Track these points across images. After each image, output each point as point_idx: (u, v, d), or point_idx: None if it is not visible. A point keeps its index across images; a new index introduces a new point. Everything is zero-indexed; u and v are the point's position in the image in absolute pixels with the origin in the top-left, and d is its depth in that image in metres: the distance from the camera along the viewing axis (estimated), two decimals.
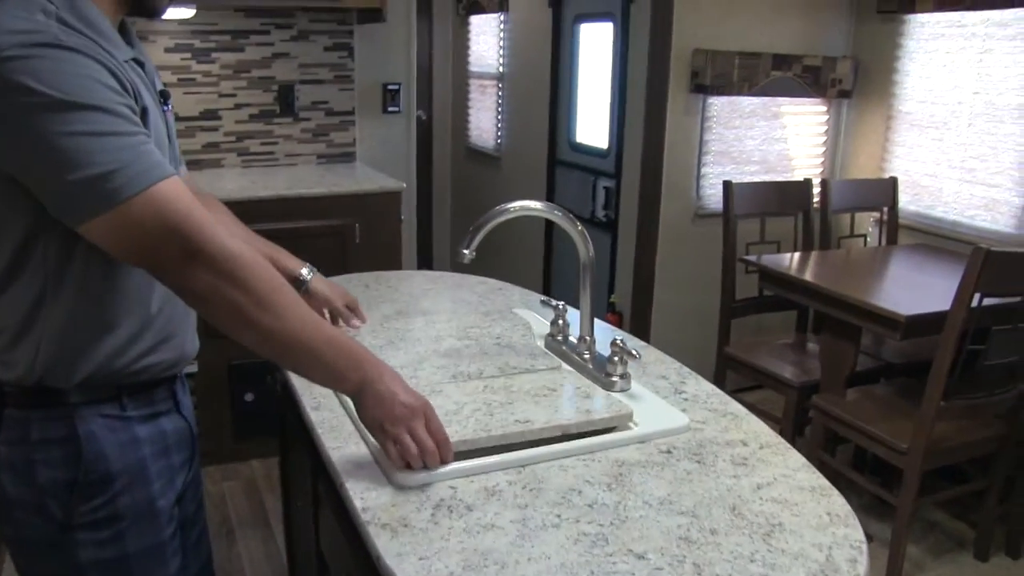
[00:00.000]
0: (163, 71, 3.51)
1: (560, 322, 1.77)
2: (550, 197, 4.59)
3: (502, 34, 5.01)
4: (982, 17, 3.38)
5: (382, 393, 1.25)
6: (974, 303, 2.41)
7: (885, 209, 3.72)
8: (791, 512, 1.23)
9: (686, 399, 1.59)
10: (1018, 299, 2.49)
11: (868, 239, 3.83)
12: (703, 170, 3.84)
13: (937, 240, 3.61)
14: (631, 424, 1.46)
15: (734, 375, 3.43)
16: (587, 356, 1.67)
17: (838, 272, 3.20)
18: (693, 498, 1.25)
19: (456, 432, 1.34)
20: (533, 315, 1.99)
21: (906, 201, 3.76)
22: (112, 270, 1.25)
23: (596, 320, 1.72)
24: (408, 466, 1.25)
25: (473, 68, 5.40)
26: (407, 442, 1.24)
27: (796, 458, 1.39)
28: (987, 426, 2.73)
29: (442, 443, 1.27)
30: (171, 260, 1.16)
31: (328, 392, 1.52)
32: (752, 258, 3.24)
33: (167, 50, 3.54)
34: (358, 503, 1.22)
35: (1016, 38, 3.26)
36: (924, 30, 3.64)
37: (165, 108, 1.36)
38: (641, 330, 3.92)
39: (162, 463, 1.37)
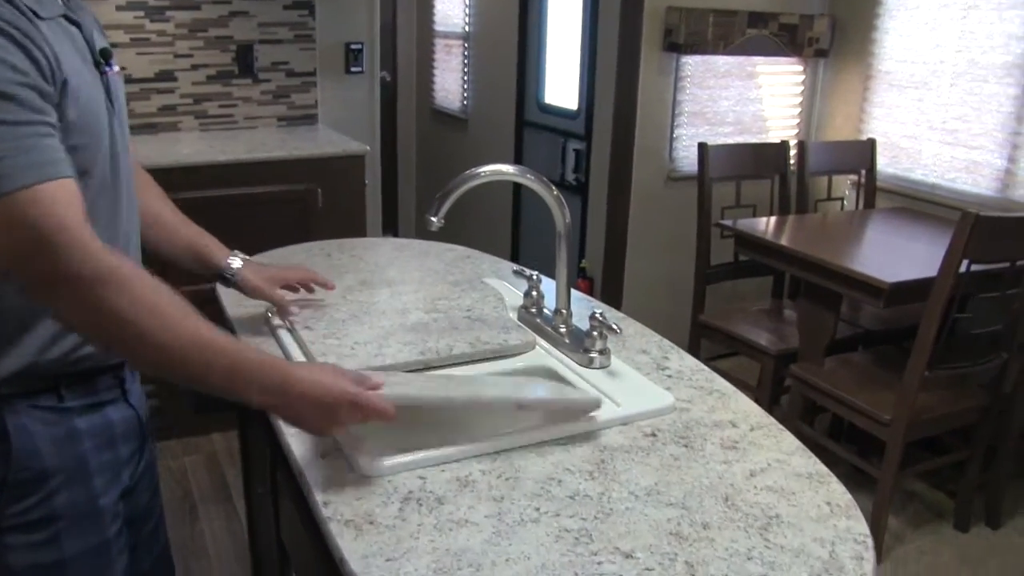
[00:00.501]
0: (114, 30, 3.33)
1: (534, 293, 1.67)
2: (518, 160, 4.47)
3: None
4: None
5: (292, 416, 1.16)
6: (962, 269, 2.33)
7: (863, 172, 3.63)
8: (788, 502, 1.13)
9: (669, 376, 1.50)
10: (1005, 265, 2.41)
11: (845, 202, 3.75)
12: (676, 132, 3.73)
13: (916, 204, 3.53)
14: (614, 404, 1.35)
15: (708, 343, 3.35)
16: (563, 330, 1.56)
17: (817, 237, 3.11)
18: (682, 487, 1.15)
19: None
20: (505, 285, 1.88)
21: (884, 164, 3.67)
22: None
23: (572, 291, 1.62)
24: None
25: (438, 27, 5.23)
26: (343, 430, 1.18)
27: (789, 441, 1.30)
28: (970, 396, 2.66)
29: (381, 412, 1.14)
30: (37, 277, 1.02)
31: None
32: (728, 222, 3.14)
33: (119, 7, 3.35)
34: (319, 496, 1.11)
35: None
36: None
37: (107, 69, 1.22)
38: (613, 296, 3.82)
39: (106, 456, 1.25)
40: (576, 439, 1.27)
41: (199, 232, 1.57)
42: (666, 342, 1.64)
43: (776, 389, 3.09)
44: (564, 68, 4.09)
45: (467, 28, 4.88)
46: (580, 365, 1.48)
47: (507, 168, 1.50)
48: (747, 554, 1.02)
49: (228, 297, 1.77)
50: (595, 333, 1.47)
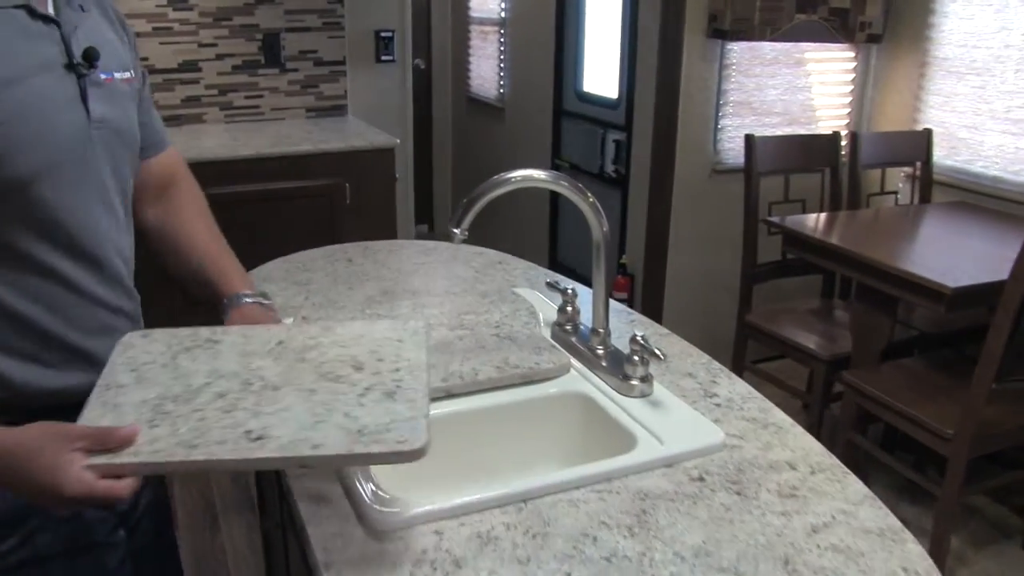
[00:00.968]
0: (136, 19, 3.22)
1: (569, 309, 1.52)
2: (556, 150, 4.31)
3: None
4: None
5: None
6: None
7: (918, 164, 3.44)
8: (858, 567, 0.98)
9: (718, 405, 1.34)
10: None
11: (899, 197, 3.55)
12: (721, 122, 3.55)
13: (976, 198, 3.33)
14: (657, 442, 1.21)
15: (754, 344, 3.18)
16: (601, 351, 1.42)
17: (871, 235, 2.93)
18: (735, 547, 1.01)
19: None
20: (537, 295, 1.74)
21: (941, 155, 3.47)
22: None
23: (611, 301, 1.47)
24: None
25: (474, 13, 5.08)
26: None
27: (856, 487, 1.14)
28: None
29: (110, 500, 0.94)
30: None
31: None
32: (775, 219, 2.97)
33: None
34: (320, 556, 0.98)
35: None
36: None
37: (89, 72, 1.10)
38: (654, 294, 3.67)
39: None
40: (613, 483, 1.12)
41: (224, 251, 1.39)
42: (715, 364, 1.49)
43: (826, 395, 2.92)
44: (603, 55, 3.92)
45: (503, 14, 4.73)
46: (619, 393, 1.34)
47: (539, 174, 1.36)
48: None
49: None
50: (636, 358, 1.32)
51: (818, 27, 3.52)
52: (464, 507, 1.05)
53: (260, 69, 3.50)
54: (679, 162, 3.52)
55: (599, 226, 1.37)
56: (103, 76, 1.13)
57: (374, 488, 1.06)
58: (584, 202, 1.36)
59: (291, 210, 2.94)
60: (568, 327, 1.52)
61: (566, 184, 1.37)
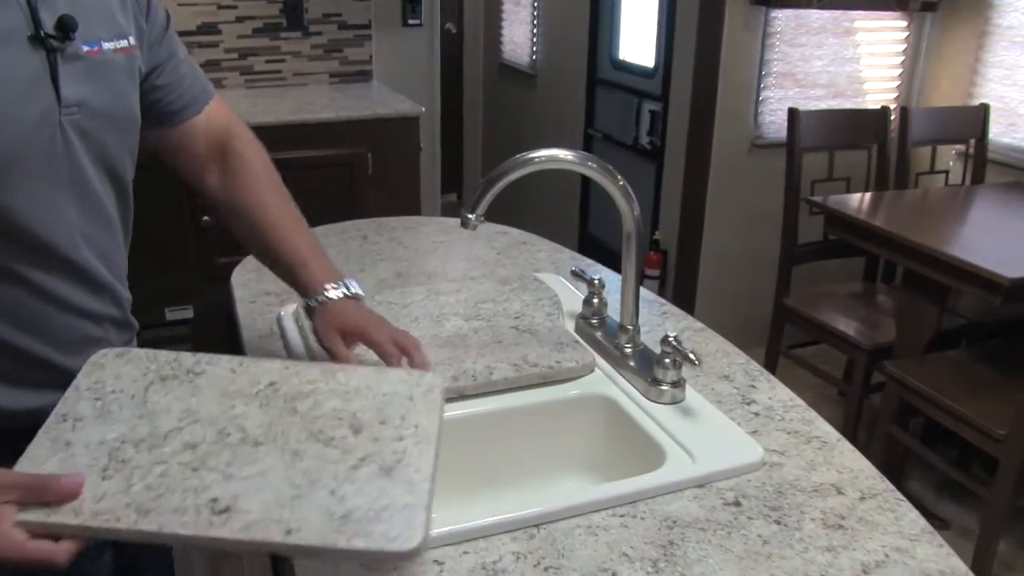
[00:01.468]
0: None
1: (595, 300, 1.40)
2: (589, 120, 4.16)
3: None
4: None
5: None
6: None
7: (971, 141, 3.25)
8: None
9: (756, 414, 1.22)
10: None
11: (949, 176, 3.37)
12: (763, 94, 3.37)
13: None
14: (688, 458, 1.08)
15: (790, 329, 3.04)
16: (629, 350, 1.29)
17: (920, 217, 2.76)
18: None
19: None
20: (561, 281, 1.61)
21: (997, 132, 3.28)
22: None
23: (643, 292, 1.34)
24: None
25: None
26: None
27: (911, 518, 1.01)
28: None
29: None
30: None
31: None
32: (818, 199, 2.82)
33: None
34: None
35: None
36: None
37: (64, 45, 0.93)
38: (688, 273, 3.52)
39: None
40: (639, 506, 1.00)
41: (306, 234, 1.23)
42: (753, 365, 1.36)
43: (865, 385, 2.78)
44: (640, 22, 3.75)
45: None
46: (647, 398, 1.21)
47: (564, 154, 1.22)
48: None
49: (242, 290, 1.54)
50: (667, 361, 1.20)
51: None
52: (469, 532, 0.93)
53: (282, 32, 3.36)
54: (717, 135, 3.36)
55: (630, 213, 1.24)
56: (85, 48, 0.96)
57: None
58: (613, 185, 1.23)
59: (311, 180, 2.81)
60: (594, 321, 1.39)
61: (594, 166, 1.23)
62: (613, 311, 1.38)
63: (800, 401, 1.26)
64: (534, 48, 4.64)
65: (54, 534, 0.77)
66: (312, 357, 1.27)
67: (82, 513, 0.77)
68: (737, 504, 1.02)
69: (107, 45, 1.00)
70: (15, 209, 0.91)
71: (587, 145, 4.16)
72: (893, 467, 2.63)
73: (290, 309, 1.43)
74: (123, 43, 1.02)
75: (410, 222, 2.00)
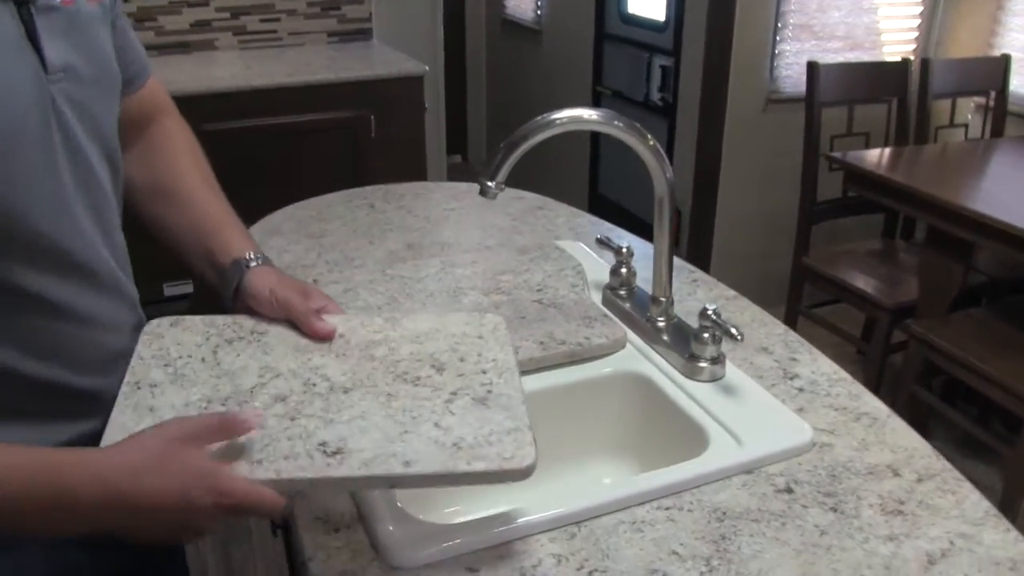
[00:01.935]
0: None
1: (623, 270, 1.32)
2: (597, 77, 4.04)
3: None
4: None
5: (130, 533, 0.76)
6: None
7: (992, 94, 3.15)
8: None
9: (800, 389, 1.14)
10: None
11: (969, 130, 3.27)
12: (779, 47, 3.26)
13: None
14: (734, 442, 1.01)
15: (808, 288, 2.96)
16: (662, 323, 1.22)
17: (943, 173, 2.67)
18: None
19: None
20: (583, 249, 1.54)
21: (1018, 84, 3.18)
22: None
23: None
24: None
25: None
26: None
27: (973, 500, 0.95)
28: None
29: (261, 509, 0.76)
30: None
31: None
32: (837, 155, 2.73)
33: None
34: None
35: None
36: None
37: None
38: (703, 233, 3.44)
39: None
40: (684, 496, 0.93)
41: (222, 207, 1.08)
42: (792, 336, 1.28)
43: (886, 344, 2.71)
44: None
45: None
46: (684, 375, 1.14)
47: (588, 114, 1.14)
48: None
49: None
50: (706, 335, 1.12)
51: None
52: (503, 534, 0.86)
53: None
54: (732, 90, 3.25)
55: (663, 176, 1.16)
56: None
57: (397, 510, 0.88)
58: (643, 146, 1.15)
59: (311, 145, 2.73)
60: (622, 292, 1.31)
61: (621, 125, 1.15)
62: (641, 281, 1.31)
63: (845, 374, 1.18)
64: (539, 3, 4.51)
65: (285, 490, 0.76)
66: None
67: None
68: (789, 491, 0.95)
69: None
70: (17, 207, 0.76)
71: (596, 102, 4.06)
72: (917, 426, 2.56)
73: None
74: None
75: (419, 188, 1.91)
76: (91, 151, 0.86)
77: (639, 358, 1.19)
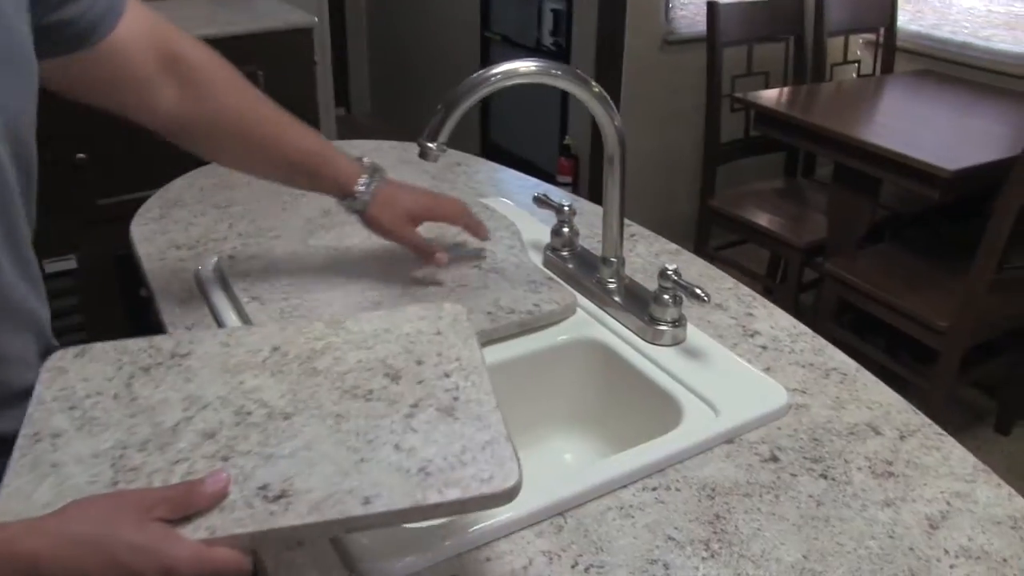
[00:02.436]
0: None
1: (565, 230, 1.24)
2: (484, 22, 3.92)
3: None
4: None
5: None
6: None
7: (881, 30, 3.17)
8: None
9: (763, 347, 1.10)
10: None
11: (861, 67, 3.30)
12: None
13: (942, 66, 3.10)
14: (710, 410, 0.96)
15: (715, 229, 2.96)
16: (613, 285, 1.15)
17: (847, 111, 2.68)
18: (844, 561, 0.77)
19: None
20: (510, 207, 1.45)
21: (905, 20, 3.22)
22: None
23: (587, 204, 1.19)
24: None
25: None
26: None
27: (959, 455, 0.92)
28: None
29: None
30: None
31: None
32: (740, 95, 2.70)
33: None
34: None
35: None
36: None
37: None
38: (602, 177, 3.38)
39: None
40: (669, 474, 0.87)
41: (310, 134, 1.12)
42: (743, 289, 1.24)
43: (798, 283, 2.73)
44: None
45: None
46: (644, 339, 1.08)
47: (525, 66, 1.04)
48: None
49: (146, 245, 1.33)
50: (667, 297, 1.06)
51: None
52: (487, 534, 0.78)
53: None
54: (629, 32, 3.19)
55: (611, 125, 1.08)
56: None
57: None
58: (588, 93, 1.08)
59: None
60: (564, 253, 1.24)
61: (559, 73, 1.07)
62: (584, 241, 1.24)
63: (804, 328, 1.14)
64: None
65: (233, 545, 0.64)
66: (246, 320, 1.08)
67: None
68: (775, 459, 0.90)
69: None
70: None
71: (484, 48, 3.94)
72: None
73: (210, 263, 1.22)
74: None
75: None
76: None
77: (592, 323, 1.12)
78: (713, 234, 2.98)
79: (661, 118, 3.33)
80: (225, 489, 0.65)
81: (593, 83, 1.07)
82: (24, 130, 0.79)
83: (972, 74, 2.98)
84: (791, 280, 2.65)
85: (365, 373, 0.78)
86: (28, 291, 0.82)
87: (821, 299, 2.53)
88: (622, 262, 1.15)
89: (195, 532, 0.62)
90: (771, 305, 1.19)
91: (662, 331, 1.06)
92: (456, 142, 1.74)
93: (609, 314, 1.13)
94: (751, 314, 1.17)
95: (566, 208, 1.23)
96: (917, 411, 0.98)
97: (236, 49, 2.59)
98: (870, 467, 0.89)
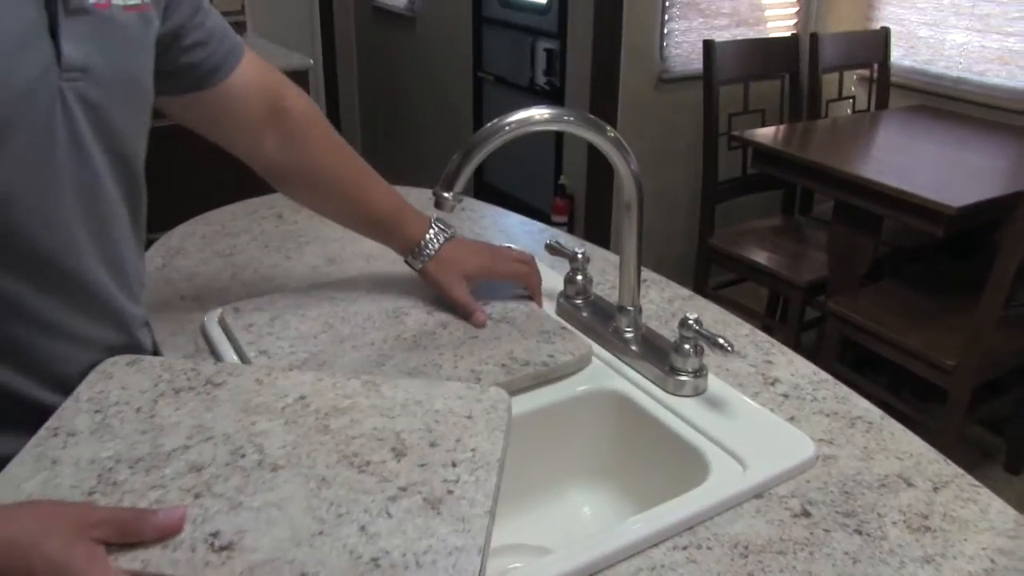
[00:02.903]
0: None
1: (579, 278, 1.22)
2: (477, 63, 3.93)
3: None
4: None
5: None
6: None
7: (875, 66, 3.19)
8: None
9: (785, 395, 1.07)
10: None
11: (856, 102, 3.31)
12: (668, 26, 3.22)
13: (936, 100, 3.12)
14: (736, 464, 0.93)
15: (714, 268, 2.94)
16: (630, 334, 1.12)
17: (845, 147, 2.68)
18: None
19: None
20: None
21: (899, 56, 3.23)
22: None
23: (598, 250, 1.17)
24: None
25: None
26: None
27: (997, 507, 0.89)
28: None
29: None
30: None
31: None
32: (737, 133, 2.70)
33: None
34: None
35: None
36: None
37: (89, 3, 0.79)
38: (599, 218, 3.38)
39: None
40: (699, 532, 0.84)
41: (390, 192, 1.20)
42: (760, 335, 1.21)
43: (800, 322, 2.71)
44: None
45: None
46: (663, 390, 1.05)
47: (539, 113, 1.03)
48: None
49: (150, 297, 1.29)
50: (687, 347, 1.03)
51: None
52: None
53: None
54: (623, 71, 3.19)
55: (628, 169, 1.06)
56: (92, 0, 0.79)
57: None
58: (602, 138, 1.06)
59: (197, 155, 2.49)
60: (578, 301, 1.21)
61: (574, 120, 1.05)
62: (599, 290, 1.21)
63: (825, 374, 1.12)
64: None
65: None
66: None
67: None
68: (807, 514, 0.87)
69: (116, 0, 0.82)
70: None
71: (477, 89, 3.95)
72: None
73: (215, 315, 1.19)
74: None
75: None
76: (100, 157, 0.83)
77: (610, 373, 1.10)
78: (711, 272, 2.97)
79: (657, 157, 3.33)
80: (177, 525, 0.65)
81: (608, 128, 1.06)
82: (131, 150, 0.88)
83: (966, 108, 3.00)
84: (792, 319, 2.63)
85: (374, 443, 0.77)
86: (113, 284, 0.88)
87: (824, 338, 2.51)
88: (639, 310, 1.12)
89: (130, 562, 0.62)
90: (790, 351, 1.17)
91: (683, 382, 1.03)
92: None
93: (627, 364, 1.10)
94: (770, 361, 1.14)
95: (579, 255, 1.21)
96: (948, 461, 0.95)
97: None
98: (905, 521, 0.86)
